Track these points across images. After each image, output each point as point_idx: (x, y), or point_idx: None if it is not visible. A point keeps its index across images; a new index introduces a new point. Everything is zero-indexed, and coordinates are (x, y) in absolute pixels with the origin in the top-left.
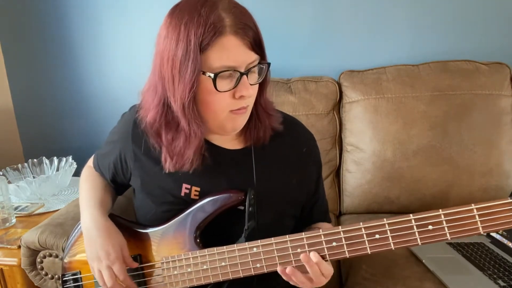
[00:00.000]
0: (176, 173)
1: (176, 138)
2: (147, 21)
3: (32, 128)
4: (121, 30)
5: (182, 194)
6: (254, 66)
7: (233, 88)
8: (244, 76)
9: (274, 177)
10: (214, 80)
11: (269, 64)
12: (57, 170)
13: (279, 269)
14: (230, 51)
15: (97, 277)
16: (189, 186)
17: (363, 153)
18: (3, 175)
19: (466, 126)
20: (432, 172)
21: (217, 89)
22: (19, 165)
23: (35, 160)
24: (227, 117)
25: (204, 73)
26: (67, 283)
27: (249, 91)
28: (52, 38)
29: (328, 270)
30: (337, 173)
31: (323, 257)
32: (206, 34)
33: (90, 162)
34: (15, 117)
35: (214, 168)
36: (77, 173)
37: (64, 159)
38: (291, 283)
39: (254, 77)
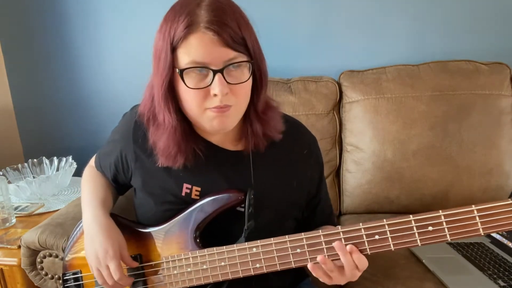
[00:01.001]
0: (177, 173)
1: (157, 131)
2: (148, 21)
3: (32, 128)
4: (122, 29)
5: (183, 194)
6: (231, 64)
7: (208, 86)
8: (219, 74)
9: (274, 178)
10: (181, 76)
11: (251, 63)
12: (57, 170)
13: (309, 266)
14: (199, 48)
15: (96, 275)
16: (190, 186)
17: (363, 153)
18: (3, 175)
19: (466, 126)
20: (432, 172)
21: (186, 85)
22: (19, 165)
23: (35, 160)
24: (209, 116)
25: (175, 69)
26: (68, 282)
27: (224, 89)
28: (52, 38)
29: (363, 260)
30: (337, 173)
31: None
32: (178, 31)
33: (92, 161)
34: (15, 117)
35: (215, 168)
36: (77, 173)
37: (64, 159)
38: (322, 279)
39: (236, 76)
